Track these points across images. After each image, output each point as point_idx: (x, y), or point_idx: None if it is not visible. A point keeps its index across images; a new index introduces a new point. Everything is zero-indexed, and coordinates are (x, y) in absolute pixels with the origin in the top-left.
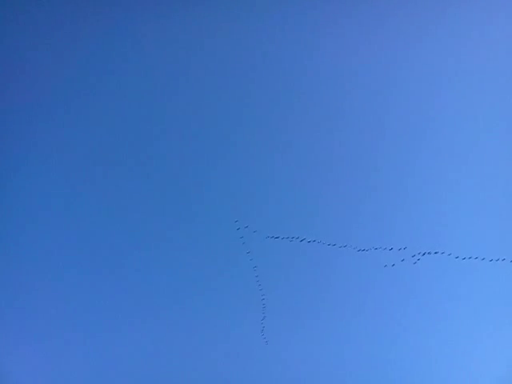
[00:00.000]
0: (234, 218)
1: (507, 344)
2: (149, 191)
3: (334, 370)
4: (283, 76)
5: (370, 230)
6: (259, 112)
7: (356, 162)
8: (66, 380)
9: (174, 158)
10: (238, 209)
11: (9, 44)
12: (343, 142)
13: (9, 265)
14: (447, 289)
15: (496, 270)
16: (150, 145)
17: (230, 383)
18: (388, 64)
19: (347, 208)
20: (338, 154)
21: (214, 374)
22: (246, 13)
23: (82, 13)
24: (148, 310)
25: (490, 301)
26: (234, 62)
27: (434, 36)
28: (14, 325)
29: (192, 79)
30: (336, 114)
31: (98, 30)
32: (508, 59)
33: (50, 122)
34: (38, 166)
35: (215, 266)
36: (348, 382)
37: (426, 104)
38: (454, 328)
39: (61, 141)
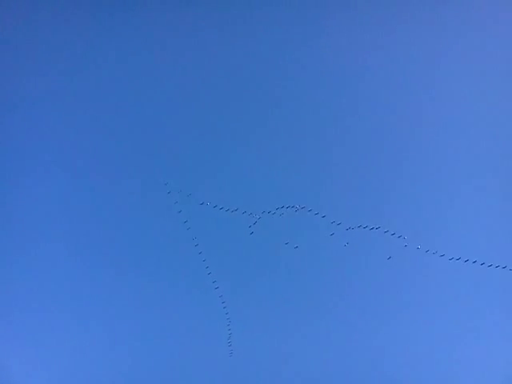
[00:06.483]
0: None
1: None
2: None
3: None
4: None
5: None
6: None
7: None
8: (66, 380)
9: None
10: (168, 172)
11: (8, 45)
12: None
13: (8, 264)
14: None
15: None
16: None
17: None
18: (388, 61)
19: (297, 178)
20: (265, 121)
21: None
22: (249, 11)
23: (83, 14)
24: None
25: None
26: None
27: (435, 36)
28: (12, 326)
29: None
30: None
31: (97, 30)
32: (506, 58)
33: (48, 122)
34: (36, 166)
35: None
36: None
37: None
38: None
39: (59, 140)
